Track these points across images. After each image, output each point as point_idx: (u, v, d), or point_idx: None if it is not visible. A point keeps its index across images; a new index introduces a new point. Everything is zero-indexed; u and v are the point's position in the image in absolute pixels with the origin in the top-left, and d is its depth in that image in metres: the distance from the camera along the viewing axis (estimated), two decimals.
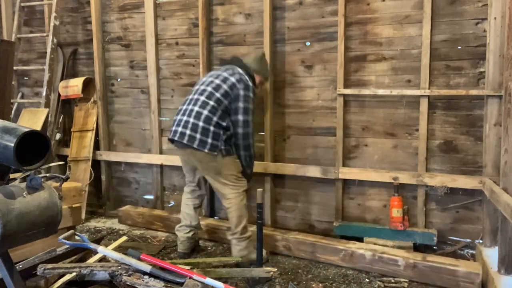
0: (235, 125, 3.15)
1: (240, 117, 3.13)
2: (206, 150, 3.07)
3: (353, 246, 3.27)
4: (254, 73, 3.30)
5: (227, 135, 3.14)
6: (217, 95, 3.12)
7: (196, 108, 3.13)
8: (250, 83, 3.22)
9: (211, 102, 3.11)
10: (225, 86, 3.14)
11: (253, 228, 3.56)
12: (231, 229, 3.27)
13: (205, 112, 3.10)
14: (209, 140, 3.07)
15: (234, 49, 3.90)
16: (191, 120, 3.12)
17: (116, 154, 4.50)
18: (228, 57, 3.65)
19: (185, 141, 3.10)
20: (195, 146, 3.08)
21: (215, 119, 3.09)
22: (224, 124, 3.11)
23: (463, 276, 2.86)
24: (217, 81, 3.18)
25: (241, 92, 3.14)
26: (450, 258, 3.05)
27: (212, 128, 3.08)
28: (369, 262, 3.16)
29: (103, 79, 4.50)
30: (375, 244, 3.32)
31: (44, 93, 4.33)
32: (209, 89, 3.16)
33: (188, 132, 3.11)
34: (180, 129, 3.15)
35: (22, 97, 4.99)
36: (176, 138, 3.16)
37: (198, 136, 3.08)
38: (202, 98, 3.15)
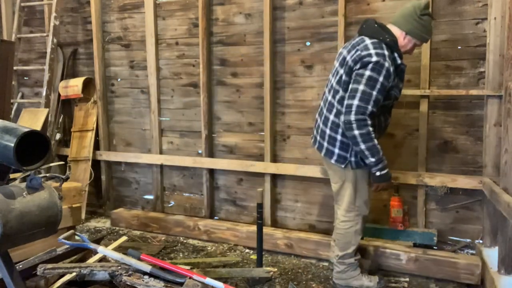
0: (348, 108, 2.52)
1: (356, 102, 2.48)
2: (333, 161, 2.75)
3: None
4: (401, 34, 2.60)
5: None
6: (340, 91, 2.63)
7: (324, 111, 2.76)
8: (375, 58, 2.47)
9: (335, 103, 2.67)
10: (343, 75, 2.61)
11: (253, 228, 3.58)
12: (335, 251, 2.92)
13: (331, 117, 2.70)
14: (336, 150, 2.71)
15: (234, 49, 3.90)
16: (321, 124, 2.80)
17: (116, 154, 4.50)
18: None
19: (316, 147, 2.86)
20: (322, 154, 2.81)
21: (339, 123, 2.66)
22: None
23: (463, 268, 2.96)
24: (338, 66, 2.68)
25: (360, 72, 2.51)
26: (450, 252, 3.14)
27: (339, 137, 2.68)
28: (372, 257, 3.19)
29: (103, 79, 4.50)
30: None
31: (44, 93, 4.33)
32: (333, 80, 2.70)
33: (318, 138, 2.83)
34: (314, 133, 2.89)
35: (22, 97, 4.99)
36: (312, 144, 2.93)
37: (325, 144, 2.77)
38: (329, 97, 2.73)
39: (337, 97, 2.66)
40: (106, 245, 3.00)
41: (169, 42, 4.19)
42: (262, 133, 3.84)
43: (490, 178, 3.02)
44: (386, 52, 2.52)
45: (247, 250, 3.63)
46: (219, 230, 3.80)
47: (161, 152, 4.31)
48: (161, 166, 4.33)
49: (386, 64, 2.50)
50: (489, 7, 3.03)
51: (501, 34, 2.92)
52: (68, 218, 3.26)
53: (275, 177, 3.85)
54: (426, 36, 2.68)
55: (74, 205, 3.39)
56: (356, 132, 2.50)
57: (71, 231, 3.11)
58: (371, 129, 2.52)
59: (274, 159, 3.83)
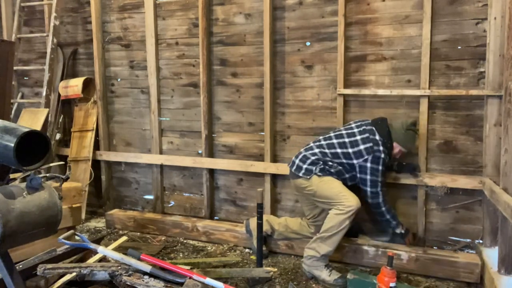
0: (365, 194, 3.09)
1: (368, 189, 3.07)
2: (300, 174, 3.15)
3: (356, 242, 3.31)
4: (394, 141, 3.12)
5: (328, 165, 3.11)
6: (338, 150, 3.12)
7: (311, 144, 3.25)
8: (382, 155, 3.03)
9: (326, 149, 3.15)
10: (350, 150, 3.10)
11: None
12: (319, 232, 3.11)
13: (316, 149, 3.18)
14: (305, 166, 3.15)
15: (234, 49, 3.90)
16: (303, 151, 3.25)
17: (116, 154, 4.50)
18: (376, 117, 3.26)
19: (289, 166, 3.28)
20: (293, 170, 3.21)
21: (320, 157, 3.14)
22: (330, 162, 3.11)
23: (463, 267, 3.00)
24: (346, 139, 3.14)
25: (368, 165, 3.04)
26: (450, 251, 3.18)
27: (312, 157, 3.15)
28: (373, 257, 3.22)
29: (103, 79, 4.50)
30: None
31: (44, 93, 4.33)
32: (334, 139, 3.17)
33: (294, 158, 3.26)
34: (293, 158, 3.29)
35: (22, 97, 4.99)
36: (289, 166, 3.30)
37: (297, 161, 3.21)
38: (323, 142, 3.21)
39: (331, 148, 3.15)
40: (106, 245, 3.00)
41: (169, 42, 4.19)
42: (262, 133, 3.84)
43: (490, 178, 3.02)
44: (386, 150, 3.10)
45: (247, 250, 3.63)
46: (218, 231, 3.80)
47: (161, 152, 4.31)
48: (161, 166, 4.33)
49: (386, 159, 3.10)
50: (489, 7, 3.03)
51: (501, 34, 2.93)
52: (68, 218, 3.26)
53: (275, 177, 3.85)
54: (409, 145, 3.17)
55: (74, 205, 3.39)
56: (380, 199, 3.10)
57: (71, 231, 3.11)
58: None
59: (274, 159, 3.83)
